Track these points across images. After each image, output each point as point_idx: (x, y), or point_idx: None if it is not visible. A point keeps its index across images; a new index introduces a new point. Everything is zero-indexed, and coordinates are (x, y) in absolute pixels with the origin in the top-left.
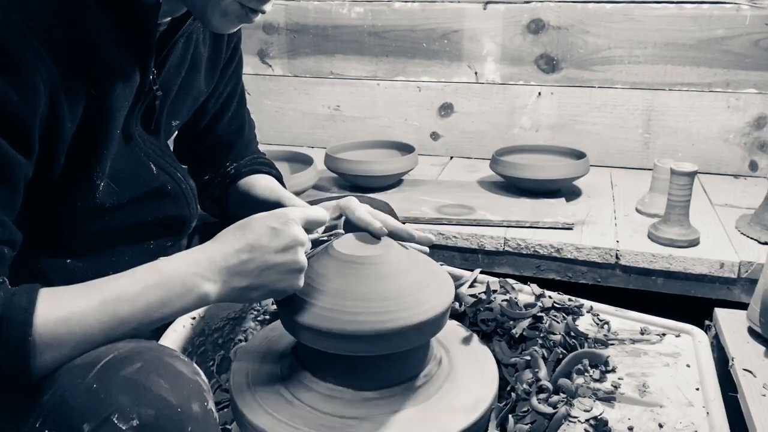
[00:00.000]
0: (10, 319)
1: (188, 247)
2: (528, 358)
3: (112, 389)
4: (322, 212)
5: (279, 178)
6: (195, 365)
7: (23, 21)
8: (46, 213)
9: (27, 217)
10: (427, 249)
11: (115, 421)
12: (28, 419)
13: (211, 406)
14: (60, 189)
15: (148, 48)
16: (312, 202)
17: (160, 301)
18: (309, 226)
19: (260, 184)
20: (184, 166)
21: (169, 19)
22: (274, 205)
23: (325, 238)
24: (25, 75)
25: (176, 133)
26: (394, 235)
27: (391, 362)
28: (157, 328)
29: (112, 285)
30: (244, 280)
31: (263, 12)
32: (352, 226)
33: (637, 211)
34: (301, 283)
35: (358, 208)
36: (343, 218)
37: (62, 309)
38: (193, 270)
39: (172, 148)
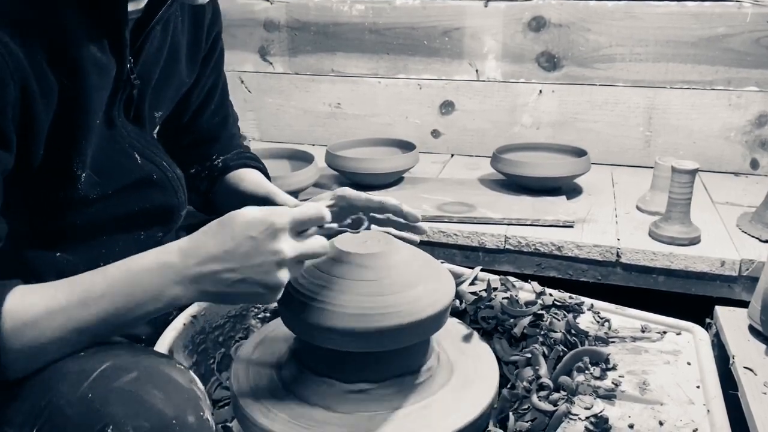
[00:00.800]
0: None
1: None
2: (528, 355)
3: (106, 400)
4: (310, 209)
5: (265, 173)
6: (191, 373)
7: None
8: (31, 205)
9: (12, 210)
10: (416, 239)
11: None
12: (25, 424)
13: (207, 415)
14: (41, 181)
15: (122, 35)
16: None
17: (129, 302)
18: (300, 227)
19: (248, 178)
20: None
21: (143, 5)
22: (263, 199)
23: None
24: None
25: (159, 126)
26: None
27: (391, 359)
28: (157, 326)
29: (83, 282)
30: (215, 287)
31: None
32: (350, 212)
33: (638, 209)
34: (276, 298)
35: (355, 193)
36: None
37: (31, 306)
38: (164, 272)
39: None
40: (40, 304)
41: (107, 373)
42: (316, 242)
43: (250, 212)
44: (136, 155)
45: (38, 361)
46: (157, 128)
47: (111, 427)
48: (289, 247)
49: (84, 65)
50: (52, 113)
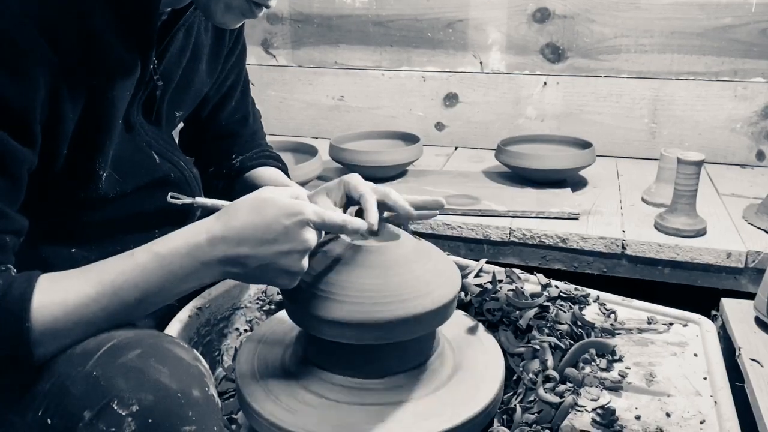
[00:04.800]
0: (7, 307)
1: None
2: (535, 347)
3: (111, 376)
4: (337, 219)
5: (285, 171)
6: (195, 351)
7: (24, 11)
8: (50, 203)
9: (31, 207)
10: (436, 213)
11: (115, 407)
12: (30, 409)
13: (213, 391)
14: (63, 179)
15: (149, 38)
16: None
17: (161, 287)
18: (322, 229)
19: (265, 176)
20: (188, 157)
21: (169, 9)
22: None
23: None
24: (25, 65)
25: (181, 125)
26: (394, 215)
27: (396, 351)
28: (162, 317)
29: (111, 270)
30: (242, 269)
31: (267, 7)
32: (353, 202)
33: (643, 200)
34: (295, 283)
35: (359, 185)
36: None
37: (61, 296)
38: (194, 254)
39: (177, 140)
40: (70, 298)
41: (111, 351)
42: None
43: (280, 198)
44: (154, 154)
45: (67, 347)
46: (179, 126)
47: (116, 401)
48: (313, 238)
49: (112, 66)
50: (79, 113)
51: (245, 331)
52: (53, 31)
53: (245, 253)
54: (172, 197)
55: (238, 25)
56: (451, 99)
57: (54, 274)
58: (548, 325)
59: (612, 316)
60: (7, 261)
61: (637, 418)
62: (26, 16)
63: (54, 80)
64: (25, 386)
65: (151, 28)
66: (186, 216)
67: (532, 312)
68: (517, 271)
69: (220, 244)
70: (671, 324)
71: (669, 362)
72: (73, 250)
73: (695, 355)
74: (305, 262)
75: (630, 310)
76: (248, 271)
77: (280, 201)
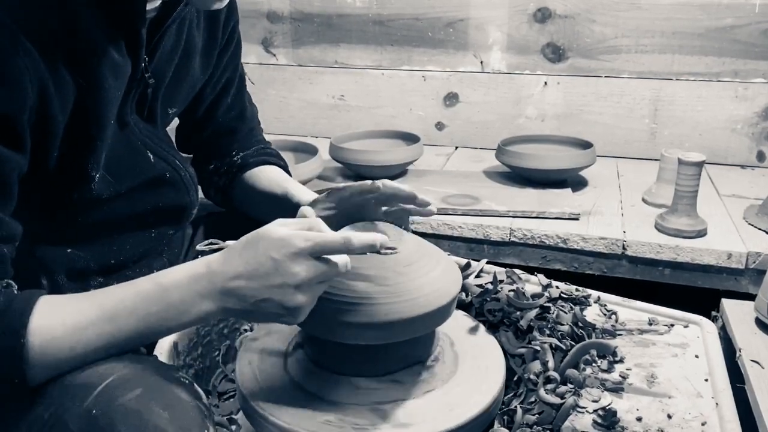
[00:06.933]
0: (5, 323)
1: (194, 237)
2: (536, 348)
3: (110, 417)
4: (337, 240)
5: (285, 169)
6: (196, 386)
7: (8, 14)
8: (45, 204)
9: (26, 209)
10: (432, 210)
11: None
12: None
13: (212, 431)
14: (56, 181)
15: (138, 35)
16: (321, 191)
17: (160, 317)
18: (321, 254)
19: (266, 176)
20: (185, 155)
21: (159, 3)
22: (280, 198)
23: None
24: (11, 68)
25: (177, 122)
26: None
27: (395, 351)
28: None
29: (112, 297)
30: (239, 305)
31: None
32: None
33: (644, 201)
34: (298, 320)
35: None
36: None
37: (60, 317)
38: (194, 288)
39: (173, 137)
40: (69, 320)
41: (111, 388)
42: (339, 262)
43: (275, 231)
44: (149, 154)
45: (62, 372)
46: (175, 123)
47: None
48: (305, 270)
49: (101, 67)
50: (68, 115)
51: (245, 330)
52: (40, 33)
53: (240, 286)
54: (201, 248)
55: (220, 6)
56: (451, 99)
57: (55, 297)
58: (549, 325)
59: (613, 317)
60: (6, 275)
61: (639, 419)
62: (12, 21)
63: (42, 82)
64: (24, 411)
65: (139, 25)
66: (182, 215)
67: (532, 313)
68: (517, 271)
69: (217, 277)
70: (672, 325)
71: (670, 363)
72: (69, 250)
73: (696, 356)
74: (300, 298)
75: (631, 311)
76: (246, 306)
77: (273, 234)
